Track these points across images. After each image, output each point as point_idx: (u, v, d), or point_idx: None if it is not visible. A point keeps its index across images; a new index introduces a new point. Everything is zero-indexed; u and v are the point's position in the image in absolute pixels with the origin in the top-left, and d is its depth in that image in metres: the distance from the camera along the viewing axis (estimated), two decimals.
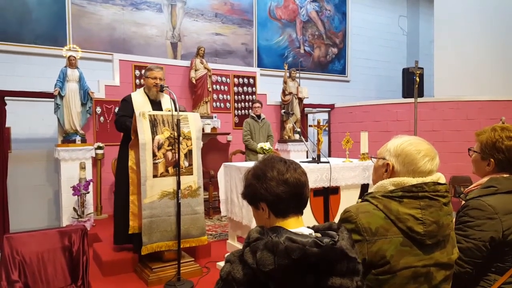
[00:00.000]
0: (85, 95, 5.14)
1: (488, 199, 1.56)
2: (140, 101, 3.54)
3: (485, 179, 1.69)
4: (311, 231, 1.08)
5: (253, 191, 1.14)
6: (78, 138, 5.08)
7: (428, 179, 1.28)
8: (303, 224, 1.11)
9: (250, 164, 1.17)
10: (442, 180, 1.31)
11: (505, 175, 1.65)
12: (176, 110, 3.11)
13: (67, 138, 5.06)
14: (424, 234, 1.23)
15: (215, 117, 6.40)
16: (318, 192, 3.55)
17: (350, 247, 1.02)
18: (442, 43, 7.37)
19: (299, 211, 1.14)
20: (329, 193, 3.62)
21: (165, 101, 3.70)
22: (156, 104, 3.61)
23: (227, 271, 1.00)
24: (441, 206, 1.27)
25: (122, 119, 3.47)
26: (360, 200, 1.43)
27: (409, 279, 1.24)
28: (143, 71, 3.79)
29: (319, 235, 1.06)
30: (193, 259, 3.47)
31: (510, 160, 1.63)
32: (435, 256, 1.27)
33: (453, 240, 1.35)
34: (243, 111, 6.98)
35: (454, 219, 1.37)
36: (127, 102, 3.58)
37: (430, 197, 1.26)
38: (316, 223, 1.20)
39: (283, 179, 1.11)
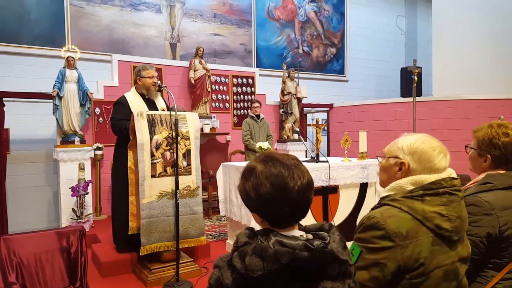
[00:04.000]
0: (84, 96, 5.14)
1: (485, 195, 1.56)
2: (137, 102, 3.49)
3: (482, 175, 1.69)
4: (302, 232, 1.05)
5: (249, 204, 1.07)
6: (77, 139, 5.07)
7: (444, 174, 1.28)
8: (296, 227, 1.07)
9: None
10: (454, 175, 1.32)
11: (501, 172, 1.66)
12: (172, 109, 3.10)
13: (66, 139, 5.06)
14: (452, 230, 1.23)
15: (214, 117, 6.40)
16: (317, 191, 3.55)
17: (342, 249, 0.99)
18: (440, 42, 7.37)
19: (297, 222, 1.08)
20: (328, 192, 3.62)
21: (160, 100, 3.67)
22: (151, 104, 3.56)
23: (216, 277, 0.98)
24: (460, 200, 1.28)
25: (121, 123, 3.35)
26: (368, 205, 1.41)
27: (442, 279, 1.22)
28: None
29: (310, 236, 1.03)
30: (192, 259, 3.45)
31: (507, 156, 1.64)
32: (459, 252, 1.27)
33: (465, 233, 1.37)
34: (242, 111, 6.97)
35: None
36: (122, 104, 3.46)
37: (450, 192, 1.26)
38: (314, 223, 1.18)
39: (287, 200, 1.00)
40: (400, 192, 1.29)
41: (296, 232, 1.04)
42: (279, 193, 1.00)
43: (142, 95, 3.56)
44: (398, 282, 1.22)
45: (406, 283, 1.21)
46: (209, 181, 5.49)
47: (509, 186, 1.60)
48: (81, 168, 4.97)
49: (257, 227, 1.08)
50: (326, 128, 7.63)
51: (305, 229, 1.07)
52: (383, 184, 1.42)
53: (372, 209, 1.36)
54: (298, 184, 1.01)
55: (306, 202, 1.04)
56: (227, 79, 6.84)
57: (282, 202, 1.00)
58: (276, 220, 1.03)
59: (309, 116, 8.03)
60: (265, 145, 4.13)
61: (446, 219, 1.23)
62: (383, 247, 1.20)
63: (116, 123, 3.42)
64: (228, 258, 0.99)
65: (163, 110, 3.50)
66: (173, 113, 3.12)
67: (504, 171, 1.66)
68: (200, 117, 5.08)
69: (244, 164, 3.96)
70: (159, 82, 3.59)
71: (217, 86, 6.72)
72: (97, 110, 5.59)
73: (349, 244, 1.20)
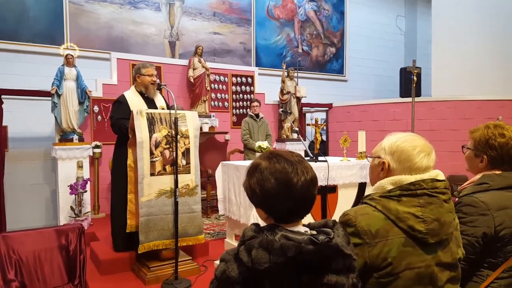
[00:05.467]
0: (83, 94, 5.13)
1: (481, 195, 1.57)
2: (136, 101, 3.49)
3: (478, 176, 1.71)
4: (307, 228, 1.07)
5: (254, 200, 1.09)
6: (75, 137, 5.06)
7: (425, 175, 1.26)
8: (301, 223, 1.09)
9: (249, 163, 1.12)
10: (441, 176, 1.29)
11: (497, 172, 1.67)
12: (172, 108, 3.10)
13: (65, 136, 5.05)
14: (426, 233, 1.20)
15: (213, 116, 6.40)
16: None
17: (346, 244, 1.01)
18: (440, 43, 7.39)
19: (301, 218, 1.10)
20: (327, 191, 3.63)
21: (159, 98, 3.67)
22: (150, 102, 3.56)
23: (222, 270, 0.99)
24: (441, 203, 1.25)
25: (121, 122, 3.35)
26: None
27: (413, 281, 1.20)
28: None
29: (314, 232, 1.04)
30: (190, 257, 3.46)
31: (503, 157, 1.65)
32: (438, 256, 1.24)
33: (457, 239, 1.32)
34: (241, 110, 6.98)
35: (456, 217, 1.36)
36: (121, 103, 3.45)
37: (429, 194, 1.23)
38: (317, 220, 1.19)
39: (291, 196, 1.02)
40: (379, 192, 1.30)
41: (301, 228, 1.06)
42: (283, 188, 1.02)
43: (142, 94, 3.55)
44: (366, 280, 1.22)
45: (374, 281, 1.21)
46: (207, 180, 5.49)
47: (505, 187, 1.61)
48: (80, 166, 4.96)
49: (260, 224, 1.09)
50: (325, 127, 7.64)
51: (309, 226, 1.09)
52: (371, 183, 1.43)
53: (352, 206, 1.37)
54: (302, 180, 1.03)
55: (310, 198, 1.06)
56: (226, 78, 6.84)
57: (286, 197, 1.02)
58: (281, 215, 1.05)
59: (308, 115, 8.04)
60: (264, 144, 4.13)
61: (421, 221, 1.20)
62: (352, 243, 1.19)
63: (115, 122, 3.42)
64: (235, 252, 1.00)
65: (163, 109, 3.50)
66: (172, 111, 3.12)
67: (500, 172, 1.67)
68: (199, 116, 5.08)
69: (243, 163, 3.97)
70: (158, 80, 3.58)
71: (216, 85, 6.72)
72: (96, 108, 5.59)
73: None
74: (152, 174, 3.13)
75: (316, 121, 4.02)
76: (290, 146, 6.97)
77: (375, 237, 1.20)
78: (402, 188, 1.24)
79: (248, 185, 1.08)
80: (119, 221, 3.41)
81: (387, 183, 1.28)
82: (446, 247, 1.27)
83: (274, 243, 0.94)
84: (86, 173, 5.08)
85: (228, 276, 0.97)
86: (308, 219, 1.11)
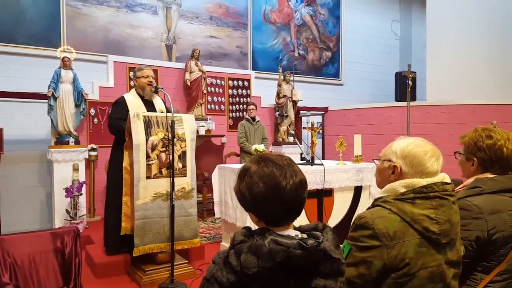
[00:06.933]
0: (79, 97, 5.12)
1: (474, 199, 1.59)
2: (135, 103, 3.51)
3: (471, 180, 1.73)
4: (297, 232, 1.08)
5: (244, 204, 1.10)
6: (71, 140, 5.04)
7: (436, 179, 1.32)
8: (292, 226, 1.10)
9: None
10: (448, 179, 1.35)
11: (489, 176, 1.69)
12: (170, 110, 3.11)
13: (60, 139, 5.03)
14: (440, 233, 1.26)
15: (209, 119, 6.41)
16: (311, 194, 3.57)
17: (334, 247, 1.02)
18: (435, 48, 7.45)
19: (292, 221, 1.10)
20: (323, 195, 3.64)
21: (158, 101, 3.68)
22: (149, 105, 3.58)
23: (212, 273, 1.01)
24: (451, 204, 1.31)
25: (118, 123, 3.37)
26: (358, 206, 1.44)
27: (427, 280, 1.25)
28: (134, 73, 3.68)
29: (305, 236, 1.05)
30: (186, 261, 3.46)
31: (492, 158, 1.67)
32: (447, 255, 1.30)
33: (459, 238, 1.39)
34: (237, 113, 6.99)
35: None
36: (120, 104, 3.49)
37: (441, 196, 1.29)
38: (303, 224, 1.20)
39: (280, 199, 1.03)
40: (392, 194, 1.33)
41: (292, 232, 1.07)
42: (272, 192, 1.03)
43: (141, 97, 3.59)
44: (384, 280, 1.25)
45: (391, 282, 1.24)
46: (204, 183, 5.49)
47: (497, 190, 1.63)
48: (75, 169, 4.94)
49: (253, 227, 1.10)
50: (321, 131, 7.68)
51: (300, 229, 1.10)
52: (378, 185, 1.47)
53: (367, 210, 1.40)
54: (291, 183, 1.04)
55: (299, 201, 1.07)
56: (223, 82, 6.85)
57: (275, 201, 1.03)
58: (271, 219, 1.06)
59: (304, 119, 8.07)
60: (260, 147, 4.14)
61: (435, 222, 1.26)
62: (371, 246, 1.24)
63: (113, 122, 3.45)
64: (225, 255, 1.02)
65: (162, 112, 3.51)
66: (169, 114, 3.12)
67: (492, 175, 1.69)
68: (196, 119, 5.07)
69: (239, 166, 3.98)
70: (155, 83, 3.60)
71: (212, 88, 6.73)
72: (92, 111, 5.57)
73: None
74: (148, 177, 3.13)
75: (312, 125, 4.04)
76: (286, 150, 6.98)
77: (393, 239, 1.24)
78: (415, 191, 1.29)
79: (238, 189, 1.10)
80: (113, 223, 3.39)
81: (399, 186, 1.33)
82: (454, 246, 1.33)
83: (263, 248, 0.95)
84: (81, 176, 5.06)
85: (216, 279, 0.99)
86: (304, 222, 1.12)
